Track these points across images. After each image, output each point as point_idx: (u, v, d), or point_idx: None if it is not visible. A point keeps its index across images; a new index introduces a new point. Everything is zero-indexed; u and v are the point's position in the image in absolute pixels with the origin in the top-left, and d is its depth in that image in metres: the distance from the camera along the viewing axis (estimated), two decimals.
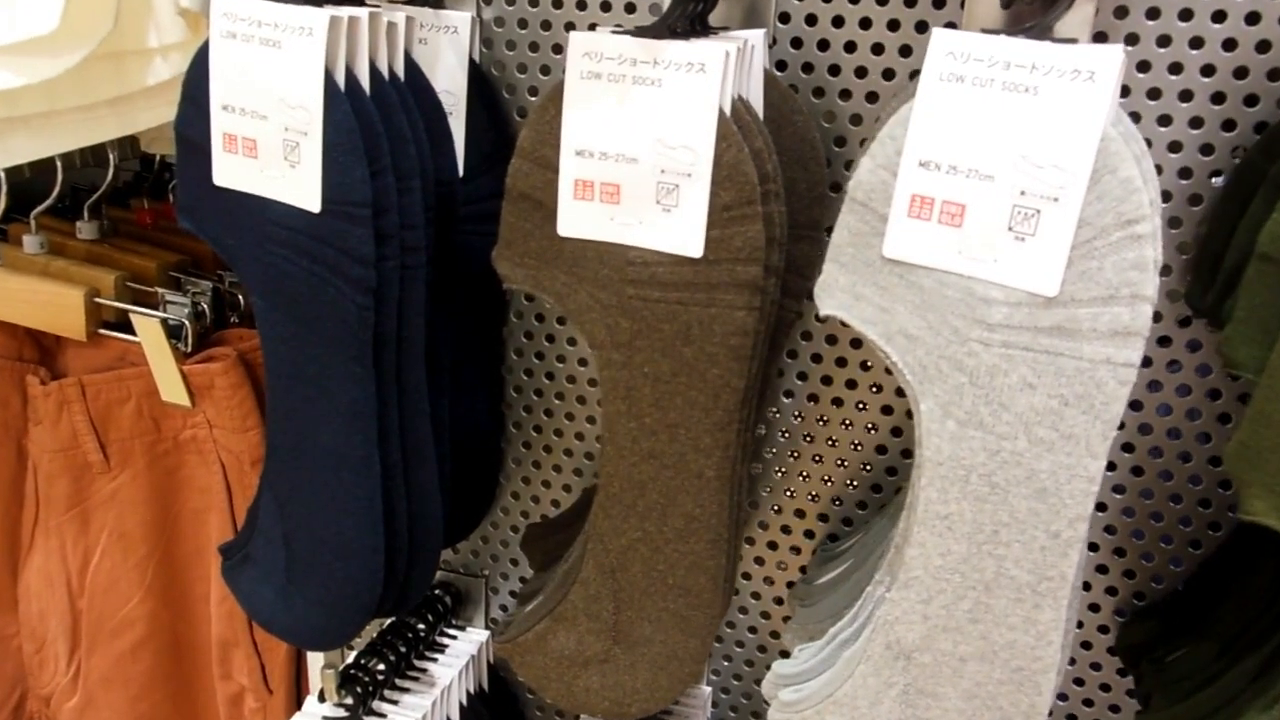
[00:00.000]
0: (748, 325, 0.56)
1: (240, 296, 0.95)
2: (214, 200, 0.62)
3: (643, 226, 0.56)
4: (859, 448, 0.71)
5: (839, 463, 0.71)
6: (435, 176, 0.64)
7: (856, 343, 0.69)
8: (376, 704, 0.71)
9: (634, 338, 0.57)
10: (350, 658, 0.75)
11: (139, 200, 1.07)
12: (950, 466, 0.50)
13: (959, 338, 0.49)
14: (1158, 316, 0.62)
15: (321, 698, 0.71)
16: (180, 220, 0.64)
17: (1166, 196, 0.60)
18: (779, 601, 0.76)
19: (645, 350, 0.57)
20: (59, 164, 0.94)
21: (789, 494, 0.73)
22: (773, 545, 0.75)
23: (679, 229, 0.55)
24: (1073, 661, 0.70)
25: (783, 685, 0.57)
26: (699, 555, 0.59)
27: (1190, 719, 0.54)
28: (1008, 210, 0.48)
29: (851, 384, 0.69)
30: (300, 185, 0.59)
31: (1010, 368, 0.48)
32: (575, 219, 0.57)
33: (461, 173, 0.69)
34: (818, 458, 0.72)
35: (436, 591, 0.82)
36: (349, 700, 0.69)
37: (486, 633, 0.82)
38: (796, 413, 0.71)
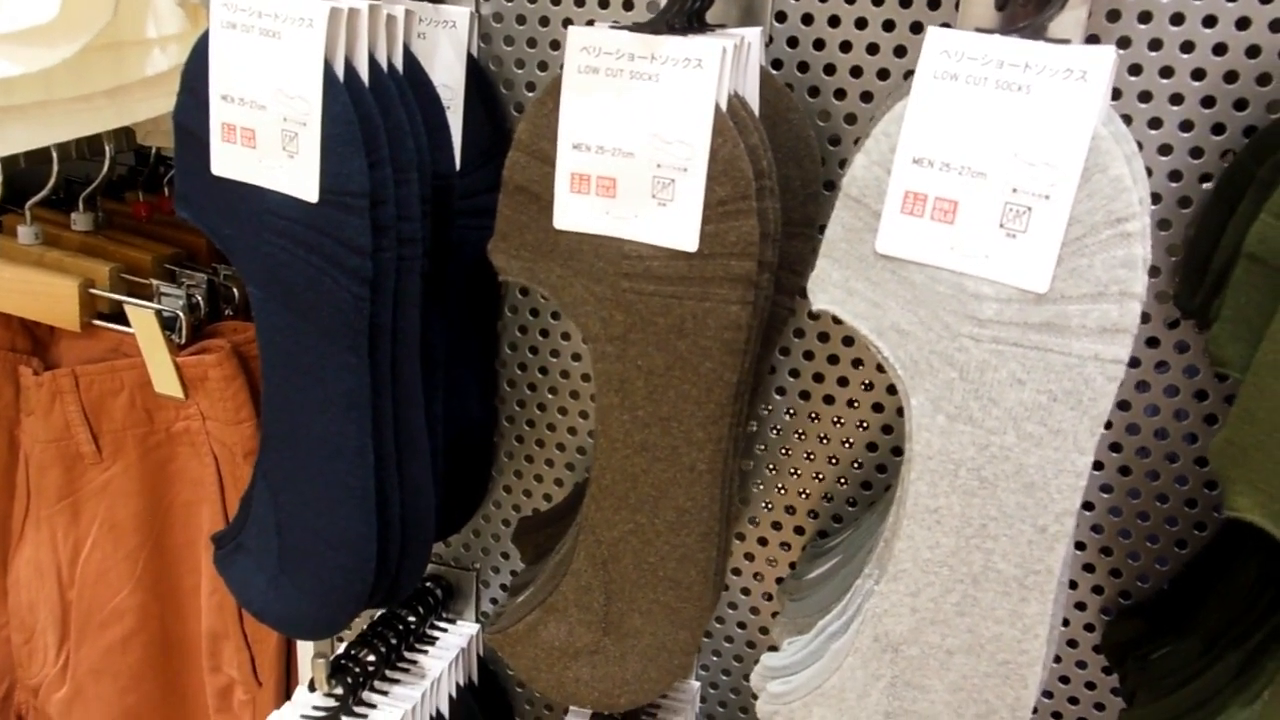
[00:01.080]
0: (741, 320, 0.56)
1: (235, 289, 0.96)
2: (212, 190, 0.62)
3: (638, 220, 0.56)
4: (850, 445, 0.71)
5: (830, 459, 0.72)
6: (432, 169, 0.65)
7: (848, 340, 0.69)
8: (366, 694, 0.71)
9: (628, 331, 0.58)
10: (341, 648, 0.75)
11: (134, 194, 1.07)
12: (940, 461, 0.50)
13: (950, 333, 0.50)
14: (1146, 318, 0.63)
15: (311, 687, 0.71)
16: (178, 209, 0.64)
17: (1156, 199, 0.61)
18: (768, 597, 0.77)
19: (639, 343, 0.57)
20: (55, 155, 0.95)
21: (780, 490, 0.74)
22: (763, 541, 0.75)
23: (674, 223, 0.56)
24: (1058, 659, 0.71)
25: (771, 677, 0.57)
26: (690, 548, 0.59)
27: (1173, 715, 0.54)
28: (1000, 207, 0.48)
29: (843, 381, 0.70)
30: (298, 175, 0.59)
31: (1000, 363, 0.49)
32: (571, 212, 0.58)
33: (458, 167, 0.69)
34: (809, 454, 0.72)
35: (427, 584, 0.82)
36: (339, 690, 0.69)
37: (477, 626, 0.82)
38: (788, 409, 0.72)
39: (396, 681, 0.74)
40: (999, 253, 0.49)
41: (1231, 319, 0.51)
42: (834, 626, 0.56)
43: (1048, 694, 0.71)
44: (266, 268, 0.61)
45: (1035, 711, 0.72)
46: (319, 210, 0.59)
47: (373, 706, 0.70)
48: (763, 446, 0.73)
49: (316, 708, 0.70)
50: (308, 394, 0.61)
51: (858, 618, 0.53)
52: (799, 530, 0.74)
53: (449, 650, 0.77)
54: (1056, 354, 0.48)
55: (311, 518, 0.62)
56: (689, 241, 0.56)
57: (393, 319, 0.62)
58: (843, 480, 0.72)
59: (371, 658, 0.72)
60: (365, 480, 0.61)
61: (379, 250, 0.59)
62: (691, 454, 0.58)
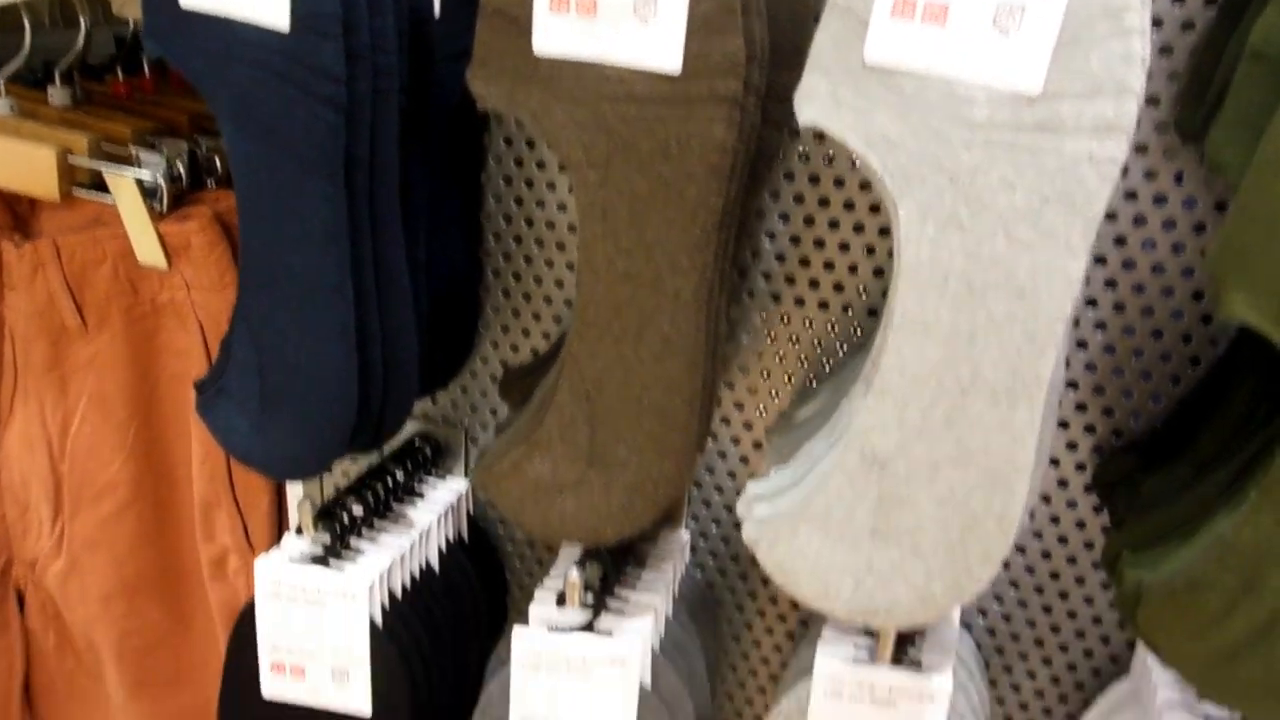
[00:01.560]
0: (726, 142, 0.54)
1: (217, 160, 0.93)
2: (182, 23, 0.60)
3: (620, 40, 0.54)
4: (840, 289, 0.70)
5: (820, 304, 0.71)
6: (410, 4, 0.63)
7: (839, 182, 0.68)
8: (355, 541, 0.71)
9: (610, 156, 0.56)
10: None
11: (113, 76, 1.04)
12: (928, 271, 0.49)
13: (940, 139, 0.48)
14: (1144, 149, 0.62)
15: (299, 531, 0.71)
16: (147, 45, 0.62)
17: (1158, 23, 0.59)
18: (757, 446, 0.76)
19: (622, 169, 0.56)
20: (27, 23, 0.92)
21: (769, 338, 0.73)
22: (752, 390, 0.75)
23: (656, 43, 0.54)
24: (1048, 499, 0.70)
25: (757, 503, 0.57)
26: (674, 377, 0.58)
27: (1161, 531, 0.54)
28: (992, 5, 0.47)
29: (834, 224, 0.69)
30: (268, 1, 0.57)
31: (990, 167, 0.47)
32: (551, 35, 0.56)
33: (438, 13, 0.67)
34: (799, 300, 0.71)
35: (416, 443, 0.81)
36: (326, 537, 0.69)
37: (466, 481, 0.82)
38: (778, 254, 0.70)
39: (385, 531, 0.73)
40: (991, 54, 0.47)
41: (1232, 123, 0.49)
42: (820, 449, 0.56)
43: (1036, 534, 0.71)
44: (240, 100, 0.59)
45: (1023, 552, 0.72)
46: (291, 38, 0.57)
47: (361, 553, 0.70)
48: (751, 293, 0.72)
49: (305, 553, 0.70)
50: (284, 230, 0.60)
51: (844, 437, 0.53)
52: (788, 377, 0.73)
53: (438, 505, 0.77)
54: (1049, 154, 0.46)
55: (292, 354, 0.61)
56: (672, 61, 0.54)
57: (370, 153, 0.60)
58: (833, 326, 0.71)
59: (359, 507, 0.72)
60: (345, 315, 0.60)
61: (353, 79, 0.58)
62: (676, 281, 0.57)
